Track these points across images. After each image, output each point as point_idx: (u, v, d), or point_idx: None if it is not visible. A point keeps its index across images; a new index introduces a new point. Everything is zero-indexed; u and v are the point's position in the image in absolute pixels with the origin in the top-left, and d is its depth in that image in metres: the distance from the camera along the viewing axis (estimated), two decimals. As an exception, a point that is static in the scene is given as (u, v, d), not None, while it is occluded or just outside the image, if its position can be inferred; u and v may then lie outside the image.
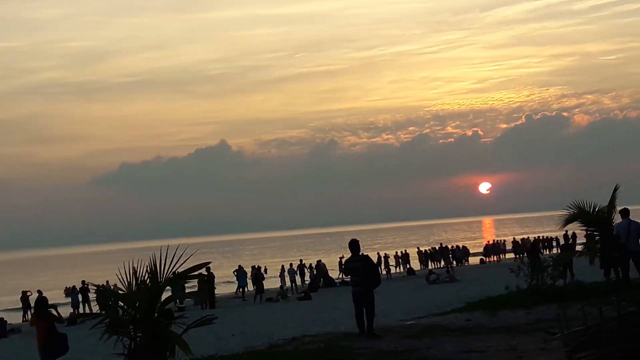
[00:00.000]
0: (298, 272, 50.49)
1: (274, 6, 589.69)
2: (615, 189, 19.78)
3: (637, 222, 18.80)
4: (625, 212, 19.05)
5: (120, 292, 9.93)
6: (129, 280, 9.54)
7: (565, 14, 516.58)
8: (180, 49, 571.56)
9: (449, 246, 68.08)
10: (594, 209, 19.51)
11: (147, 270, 9.48)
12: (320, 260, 54.12)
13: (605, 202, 20.13)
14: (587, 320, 7.79)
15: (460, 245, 70.62)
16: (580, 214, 19.56)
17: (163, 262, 9.46)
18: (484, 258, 66.14)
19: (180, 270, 9.64)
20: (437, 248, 65.46)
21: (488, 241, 74.85)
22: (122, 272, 9.59)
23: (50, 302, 14.39)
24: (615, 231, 19.01)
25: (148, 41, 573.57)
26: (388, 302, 26.81)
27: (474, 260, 66.20)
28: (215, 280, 40.98)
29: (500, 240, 72.95)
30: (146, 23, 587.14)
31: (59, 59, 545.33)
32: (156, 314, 9.42)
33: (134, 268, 9.51)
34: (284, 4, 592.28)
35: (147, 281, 9.45)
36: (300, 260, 54.03)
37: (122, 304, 9.63)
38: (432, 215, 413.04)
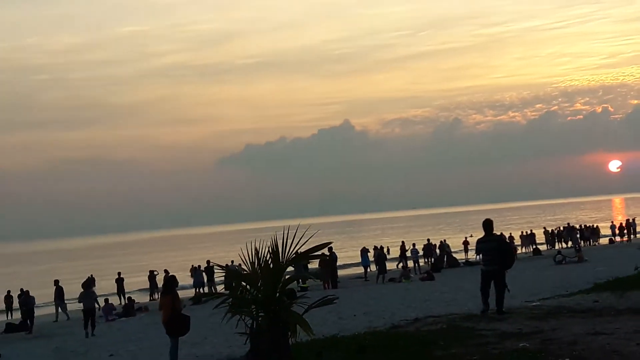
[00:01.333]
0: (424, 252, 50.33)
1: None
2: None
3: None
4: None
5: (243, 272, 10.18)
6: (251, 260, 9.73)
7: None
8: (304, 30, 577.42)
9: (577, 226, 66.18)
10: None
11: (269, 250, 9.64)
12: (444, 240, 53.70)
13: None
14: None
15: (589, 225, 68.40)
16: None
17: (285, 242, 9.61)
18: (613, 238, 63.97)
19: (302, 250, 9.78)
20: (563, 228, 63.75)
21: (620, 222, 72.20)
22: (245, 252, 9.79)
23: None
24: None
25: (271, 22, 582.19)
26: (514, 283, 26.34)
27: (603, 241, 64.19)
28: (338, 261, 41.29)
29: (632, 219, 70.28)
30: (269, 4, 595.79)
31: (184, 42, 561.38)
32: (278, 294, 9.59)
33: (256, 248, 9.69)
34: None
35: (270, 261, 9.62)
36: (428, 240, 53.78)
37: (244, 284, 9.87)
38: (560, 194, 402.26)
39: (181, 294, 16.77)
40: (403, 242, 47.58)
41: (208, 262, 41.75)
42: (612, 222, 73.12)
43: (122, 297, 41.22)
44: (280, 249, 9.62)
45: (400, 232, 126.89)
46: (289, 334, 9.53)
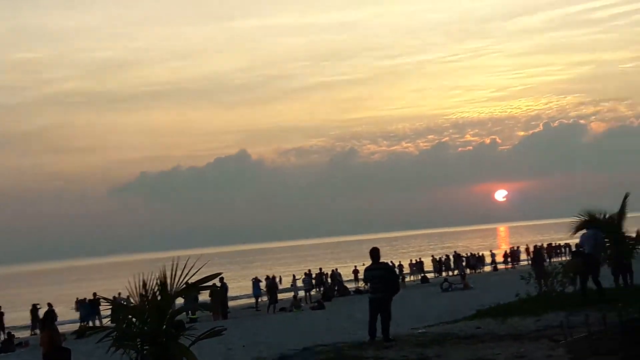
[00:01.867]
0: (315, 281, 50.64)
1: (297, 16, 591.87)
2: (625, 197, 19.85)
3: (601, 233, 18.57)
4: (591, 223, 18.82)
5: (131, 304, 10.04)
6: (139, 292, 9.62)
7: (584, 22, 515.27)
8: (202, 59, 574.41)
9: (465, 254, 68.03)
10: (605, 216, 19.57)
11: (157, 282, 9.56)
12: (335, 269, 54.19)
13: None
14: (590, 328, 7.85)
15: (476, 253, 70.43)
16: (590, 221, 19.59)
17: (174, 273, 9.55)
18: (496, 266, 66.18)
19: (192, 281, 9.74)
20: (450, 256, 65.41)
21: (505, 250, 74.77)
22: (133, 284, 9.67)
23: (58, 316, 14.53)
24: (580, 241, 18.76)
25: (169, 51, 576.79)
26: (401, 310, 26.84)
27: (488, 268, 66.19)
28: (229, 292, 41.03)
29: (516, 247, 72.87)
30: (168, 33, 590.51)
31: (81, 69, 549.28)
32: (165, 326, 9.51)
33: (143, 280, 9.60)
34: (306, 13, 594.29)
35: (157, 293, 9.54)
36: (320, 269, 54.23)
37: (130, 317, 9.74)
38: (449, 222, 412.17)
39: (67, 327, 16.35)
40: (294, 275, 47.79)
41: (94, 294, 40.80)
42: (492, 251, 76.12)
43: (1, 332, 39.75)
44: (168, 280, 9.56)
45: (293, 261, 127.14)
46: (176, 366, 9.45)
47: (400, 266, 57.20)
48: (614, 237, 19.76)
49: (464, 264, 61.36)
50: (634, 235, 21.01)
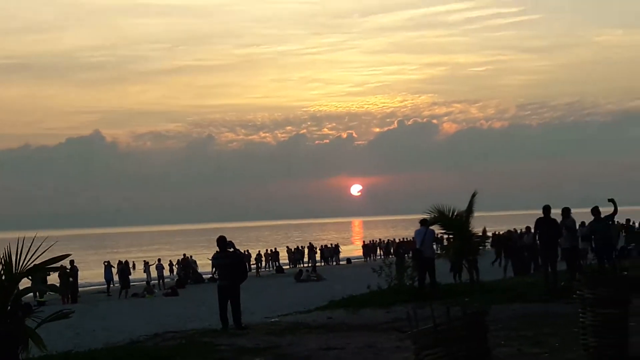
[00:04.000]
0: (168, 267, 50.11)
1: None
2: (473, 195, 20.66)
3: (433, 230, 19.62)
4: (424, 221, 19.70)
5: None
6: (-18, 272, 9.22)
7: (440, 24, 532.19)
8: (56, 34, 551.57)
9: (320, 245, 69.06)
10: (453, 213, 20.33)
11: (0, 261, 9.19)
12: (190, 256, 53.74)
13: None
14: (435, 320, 8.18)
15: (330, 244, 71.59)
16: (439, 218, 20.31)
17: (19, 253, 9.21)
18: (350, 259, 67.51)
19: (39, 262, 9.42)
20: (304, 247, 66.18)
21: (364, 242, 76.12)
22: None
23: None
24: (414, 237, 19.70)
25: (20, 22, 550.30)
26: (255, 299, 26.99)
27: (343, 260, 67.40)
28: (80, 275, 39.92)
29: (374, 241, 74.41)
30: (21, 4, 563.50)
31: None
32: (10, 307, 9.17)
33: (-14, 260, 9.20)
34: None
35: (1, 273, 9.18)
36: (184, 255, 54.01)
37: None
38: (305, 214, 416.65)
39: None
40: (145, 261, 46.99)
41: None
42: (364, 242, 76.50)
43: None
44: (14, 260, 9.21)
45: (148, 248, 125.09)
46: (20, 349, 9.14)
47: (259, 255, 57.49)
48: (461, 234, 20.54)
49: (317, 255, 62.26)
50: (480, 233, 21.94)
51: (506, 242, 33.91)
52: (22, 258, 9.21)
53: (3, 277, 9.14)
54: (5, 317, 9.04)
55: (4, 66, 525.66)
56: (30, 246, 9.21)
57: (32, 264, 9.31)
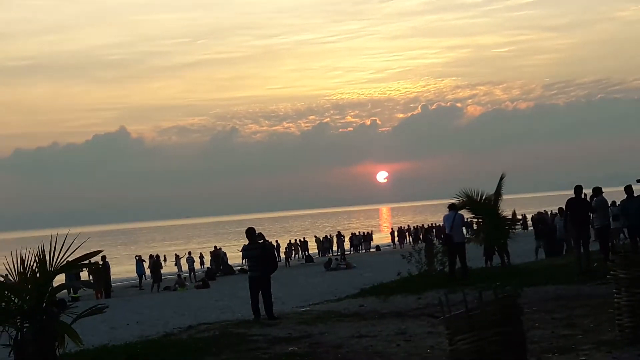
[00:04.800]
0: (198, 260, 50.41)
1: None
2: (501, 178, 20.57)
3: (462, 215, 19.31)
4: (452, 206, 19.41)
5: (9, 282, 9.74)
6: (17, 270, 9.36)
7: (460, 6, 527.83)
8: (79, 33, 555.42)
9: (349, 233, 69.04)
10: (482, 197, 20.24)
11: (35, 259, 9.31)
12: (220, 248, 54.00)
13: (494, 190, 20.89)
14: (468, 305, 8.17)
15: (358, 233, 71.52)
16: (468, 202, 20.23)
17: (53, 250, 9.32)
18: (379, 246, 67.33)
19: (71, 258, 9.52)
20: (333, 236, 66.13)
21: (393, 229, 75.84)
22: (11, 261, 9.39)
23: None
24: (443, 223, 19.43)
25: (45, 24, 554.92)
26: (285, 289, 27.10)
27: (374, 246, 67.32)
28: (113, 270, 40.27)
29: (405, 227, 74.04)
30: (43, 5, 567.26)
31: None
32: (45, 304, 9.29)
33: (22, 257, 9.33)
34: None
35: (36, 270, 9.29)
36: (215, 247, 54.26)
37: (9, 294, 9.45)
38: (332, 203, 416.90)
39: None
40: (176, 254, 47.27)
41: (-31, 272, 39.19)
42: (392, 229, 75.97)
43: None
44: (48, 257, 9.32)
45: (178, 241, 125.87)
46: (57, 344, 9.26)
47: (277, 244, 57.73)
48: (491, 217, 20.47)
49: (345, 244, 62.23)
50: (510, 216, 21.84)
51: (538, 223, 33.69)
52: (56, 255, 9.32)
53: (38, 275, 9.26)
54: (41, 314, 9.17)
55: (28, 67, 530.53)
56: (64, 243, 9.32)
57: (65, 261, 9.43)
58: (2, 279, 9.48)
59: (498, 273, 19.10)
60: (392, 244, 68.83)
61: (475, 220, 22.87)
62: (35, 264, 9.31)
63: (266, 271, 15.80)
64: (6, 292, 9.39)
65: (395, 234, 70.36)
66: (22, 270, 9.32)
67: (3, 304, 9.37)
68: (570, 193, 18.47)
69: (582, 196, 18.25)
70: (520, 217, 56.33)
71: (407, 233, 70.09)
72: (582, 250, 18.12)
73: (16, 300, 9.33)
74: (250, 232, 16.08)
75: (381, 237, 79.34)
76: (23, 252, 9.37)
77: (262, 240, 16.31)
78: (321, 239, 66.54)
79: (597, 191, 19.47)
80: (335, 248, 62.65)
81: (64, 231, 9.84)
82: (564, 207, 20.01)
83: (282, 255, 54.68)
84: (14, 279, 9.42)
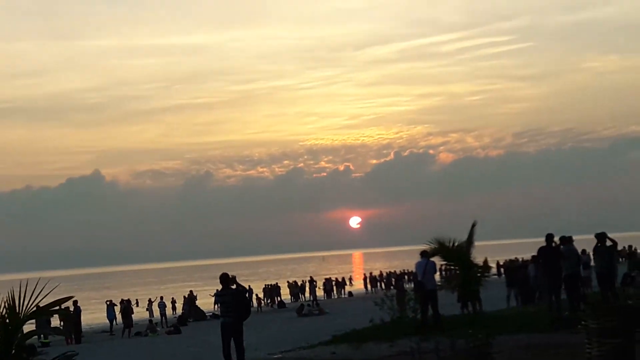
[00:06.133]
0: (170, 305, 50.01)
1: (152, 37, 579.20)
2: (473, 225, 20.70)
3: (434, 262, 19.48)
4: (424, 253, 19.53)
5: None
6: (-15, 315, 9.22)
7: (433, 55, 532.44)
8: (54, 77, 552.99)
9: (322, 280, 68.75)
10: (454, 244, 20.34)
11: (4, 304, 9.20)
12: (191, 291, 53.67)
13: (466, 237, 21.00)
14: (440, 352, 8.19)
15: (330, 278, 71.26)
16: (440, 249, 20.32)
17: (23, 295, 9.21)
18: (351, 291, 67.24)
19: (42, 304, 9.42)
20: (305, 281, 65.85)
21: (365, 274, 75.67)
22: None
23: None
24: (415, 270, 19.60)
25: (19, 68, 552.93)
26: (258, 335, 26.87)
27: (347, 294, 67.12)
28: (83, 315, 39.77)
29: (372, 274, 73.96)
30: (18, 49, 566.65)
31: None
32: (14, 350, 9.16)
33: (-10, 303, 9.21)
34: (161, 35, 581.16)
35: (5, 316, 9.18)
36: (191, 291, 53.91)
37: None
38: (304, 247, 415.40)
39: None
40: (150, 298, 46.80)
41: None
42: (365, 275, 75.72)
43: None
44: (17, 303, 9.21)
45: (149, 286, 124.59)
46: (25, 392, 9.12)
47: (250, 289, 57.33)
48: (463, 264, 20.54)
49: (318, 289, 61.97)
50: (481, 263, 21.92)
51: (509, 271, 33.84)
52: (26, 301, 9.22)
53: (7, 320, 9.15)
54: (10, 360, 9.04)
55: (3, 110, 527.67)
56: (35, 288, 9.23)
57: (35, 307, 9.33)
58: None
59: (470, 321, 19.12)
60: (364, 289, 68.77)
61: (446, 266, 22.94)
62: (4, 310, 9.19)
63: (239, 317, 15.70)
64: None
65: (368, 280, 70.32)
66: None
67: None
68: (542, 240, 18.62)
69: (553, 244, 18.43)
70: (493, 266, 56.61)
71: (378, 279, 70.10)
72: (553, 298, 18.24)
73: (-16, 347, 9.20)
74: (224, 278, 16.04)
75: (354, 284, 79.06)
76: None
77: (234, 285, 16.24)
78: (293, 283, 66.24)
79: (566, 240, 19.65)
80: (307, 294, 62.35)
81: (35, 275, 9.75)
82: (536, 254, 20.17)
83: (254, 303, 54.28)
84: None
